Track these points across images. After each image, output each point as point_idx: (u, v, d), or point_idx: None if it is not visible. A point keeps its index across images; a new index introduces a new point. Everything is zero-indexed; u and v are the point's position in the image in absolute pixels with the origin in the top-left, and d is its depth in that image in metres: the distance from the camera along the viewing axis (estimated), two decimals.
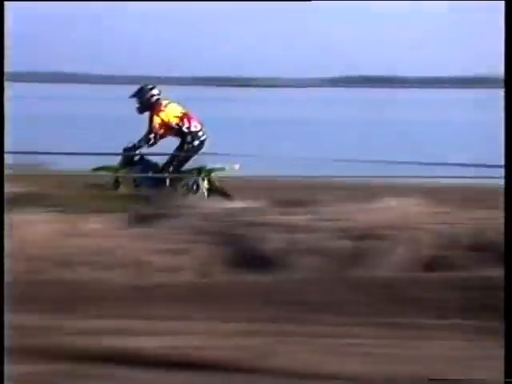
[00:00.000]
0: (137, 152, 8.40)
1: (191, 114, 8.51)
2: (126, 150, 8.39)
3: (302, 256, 5.99)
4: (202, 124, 8.49)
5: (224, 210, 6.68)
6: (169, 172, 8.34)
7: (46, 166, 8.24)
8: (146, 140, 8.31)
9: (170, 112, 8.40)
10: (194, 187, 8.27)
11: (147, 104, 8.41)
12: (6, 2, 5.35)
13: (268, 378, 3.84)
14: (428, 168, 10.18)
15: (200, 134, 8.37)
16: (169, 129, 8.43)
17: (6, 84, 5.63)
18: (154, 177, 8.39)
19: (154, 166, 8.50)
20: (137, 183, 8.36)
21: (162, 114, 8.33)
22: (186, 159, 8.40)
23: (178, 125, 8.38)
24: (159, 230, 6.25)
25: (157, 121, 8.26)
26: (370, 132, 27.14)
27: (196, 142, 8.38)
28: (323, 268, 5.96)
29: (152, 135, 8.29)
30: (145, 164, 8.53)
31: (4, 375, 3.93)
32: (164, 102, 8.39)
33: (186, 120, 8.41)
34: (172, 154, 8.40)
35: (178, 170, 8.38)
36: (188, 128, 8.38)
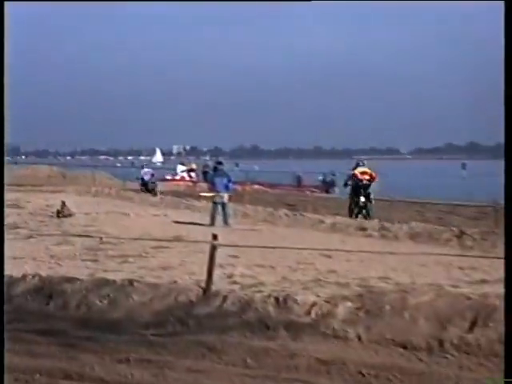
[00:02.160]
0: (348, 183, 21.16)
1: (367, 173, 20.39)
2: (344, 184, 21.47)
3: None
4: (372, 177, 20.36)
5: None
6: (358, 192, 20.57)
7: None
8: (347, 179, 21.09)
9: (358, 170, 20.56)
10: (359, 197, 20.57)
11: (356, 166, 20.98)
12: (5, 2, 5.35)
13: None
14: None
15: (364, 180, 20.27)
16: (355, 176, 20.60)
17: (6, 83, 5.63)
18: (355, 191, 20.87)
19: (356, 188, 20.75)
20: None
21: (355, 170, 20.54)
22: (360, 187, 20.37)
23: (356, 175, 20.54)
24: None
25: (352, 172, 20.61)
26: None
27: (362, 183, 20.27)
28: None
29: (348, 178, 21.02)
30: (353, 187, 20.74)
31: (4, 372, 3.87)
32: (358, 167, 20.69)
33: (360, 174, 20.41)
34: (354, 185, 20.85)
35: (357, 190, 20.63)
36: (361, 177, 20.46)
